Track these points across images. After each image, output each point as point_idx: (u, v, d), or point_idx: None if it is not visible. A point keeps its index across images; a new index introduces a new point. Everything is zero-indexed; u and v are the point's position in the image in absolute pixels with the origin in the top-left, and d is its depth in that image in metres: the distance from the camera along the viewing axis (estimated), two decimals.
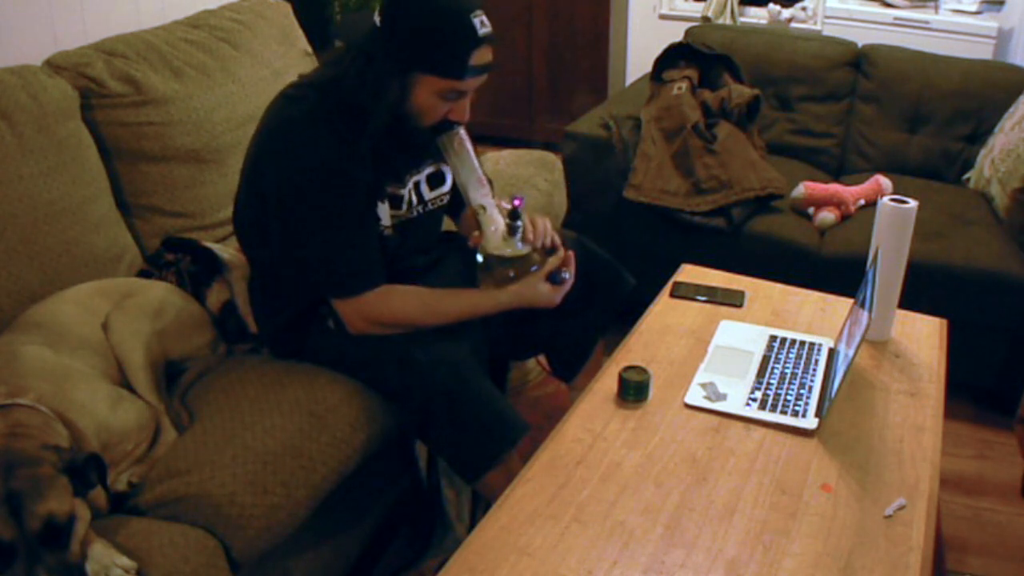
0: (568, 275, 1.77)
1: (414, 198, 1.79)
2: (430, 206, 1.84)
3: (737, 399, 1.61)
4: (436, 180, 1.84)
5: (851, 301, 1.94)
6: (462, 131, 1.69)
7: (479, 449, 1.65)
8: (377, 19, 1.58)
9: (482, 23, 1.56)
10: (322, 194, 1.61)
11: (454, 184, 1.87)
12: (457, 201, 1.90)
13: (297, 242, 1.66)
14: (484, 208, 1.71)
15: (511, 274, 1.73)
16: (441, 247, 1.96)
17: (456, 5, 1.54)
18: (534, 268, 1.74)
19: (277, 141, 1.64)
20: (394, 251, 1.75)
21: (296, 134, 1.62)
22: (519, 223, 1.71)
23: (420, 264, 1.86)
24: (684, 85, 2.88)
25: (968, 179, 2.97)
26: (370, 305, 1.68)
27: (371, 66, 1.58)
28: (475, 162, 1.71)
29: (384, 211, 1.71)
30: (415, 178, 1.79)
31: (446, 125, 1.67)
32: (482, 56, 1.59)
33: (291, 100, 1.66)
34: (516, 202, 1.69)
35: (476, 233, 1.76)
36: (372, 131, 1.61)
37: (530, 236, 1.74)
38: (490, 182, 1.79)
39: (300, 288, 1.76)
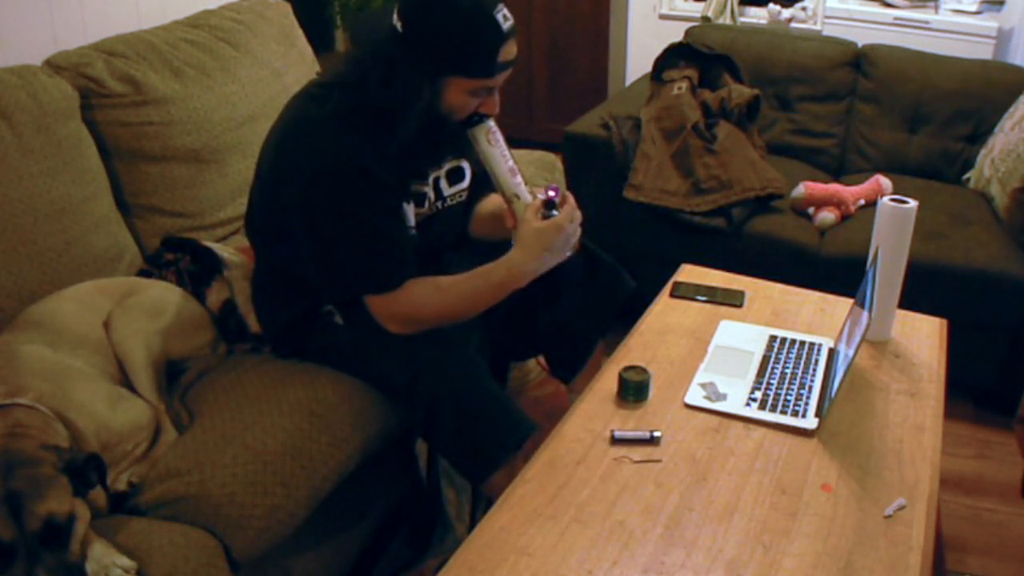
0: (552, 193, 1.69)
1: (432, 195, 1.78)
2: (449, 202, 1.83)
3: (737, 399, 1.61)
4: (456, 176, 1.84)
5: (851, 301, 1.94)
6: (491, 122, 1.69)
7: (485, 450, 1.64)
8: (397, 23, 1.56)
9: (505, 17, 1.56)
10: (349, 192, 1.59)
11: (472, 180, 1.86)
12: (473, 198, 1.90)
13: (323, 240, 1.63)
14: (518, 196, 1.71)
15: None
16: (448, 253, 1.96)
17: (478, 4, 1.53)
18: (568, 253, 1.74)
19: (301, 140, 1.62)
20: (415, 250, 1.74)
21: (321, 133, 1.60)
22: (554, 212, 1.70)
23: (431, 271, 1.86)
24: (684, 85, 2.88)
25: (968, 179, 2.97)
26: (395, 303, 1.65)
27: (396, 72, 1.57)
28: (507, 152, 1.70)
29: (410, 212, 1.71)
30: (435, 174, 1.79)
31: (475, 118, 1.67)
32: (509, 51, 1.58)
33: (314, 100, 1.65)
34: (551, 192, 1.69)
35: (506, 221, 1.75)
36: (403, 135, 1.60)
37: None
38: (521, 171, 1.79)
39: (308, 287, 1.76)
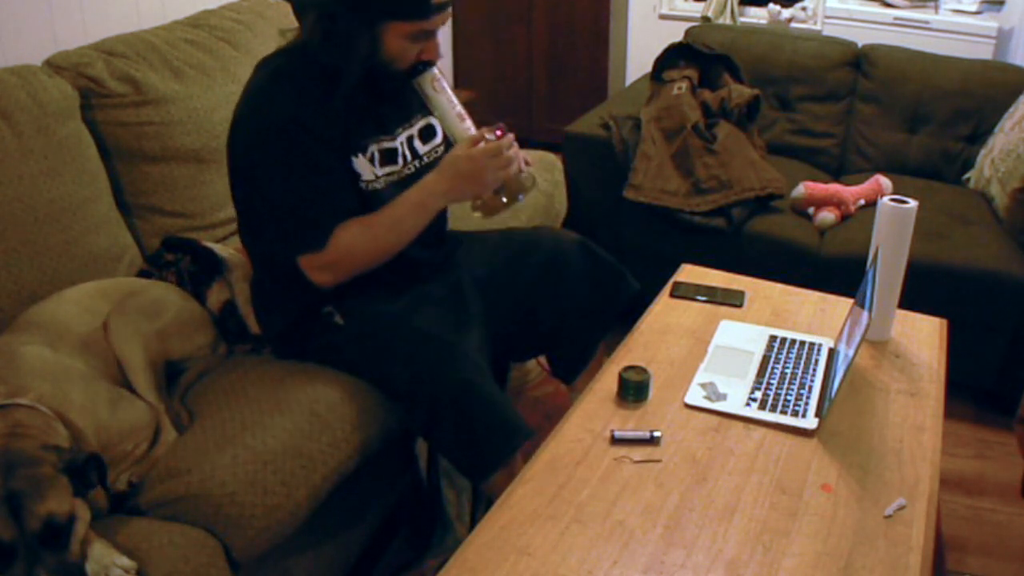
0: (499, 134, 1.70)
1: (408, 153, 1.80)
2: (425, 160, 1.84)
3: (737, 399, 1.61)
4: (428, 134, 1.86)
5: (851, 301, 1.94)
6: (435, 70, 1.71)
7: (486, 451, 1.64)
8: None
9: None
10: (278, 146, 1.62)
11: (444, 137, 1.87)
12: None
13: (262, 198, 1.67)
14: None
15: (503, 199, 1.75)
16: (450, 244, 1.96)
17: None
18: (520, 197, 1.75)
19: (242, 106, 1.68)
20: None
21: (258, 94, 1.66)
22: None
23: (425, 258, 1.86)
24: (684, 85, 2.88)
25: (968, 179, 2.97)
26: (326, 253, 1.67)
27: (336, 25, 1.61)
28: (453, 98, 1.73)
29: (362, 165, 1.71)
30: (407, 132, 1.81)
31: (419, 67, 1.69)
32: None
33: (259, 67, 1.70)
34: (498, 132, 1.71)
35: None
36: (346, 87, 1.63)
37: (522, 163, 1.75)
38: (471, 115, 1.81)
39: (307, 286, 1.76)
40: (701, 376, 1.68)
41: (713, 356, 1.74)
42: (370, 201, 1.72)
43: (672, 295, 1.98)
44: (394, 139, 1.77)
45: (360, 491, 1.85)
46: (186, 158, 2.17)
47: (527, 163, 1.76)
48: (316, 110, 1.62)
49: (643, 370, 1.62)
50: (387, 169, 1.75)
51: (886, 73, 3.08)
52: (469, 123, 1.73)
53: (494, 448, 1.64)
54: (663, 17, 4.12)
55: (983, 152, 2.91)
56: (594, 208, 2.87)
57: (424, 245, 1.85)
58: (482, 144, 1.67)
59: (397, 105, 1.78)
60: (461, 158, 1.67)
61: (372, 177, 1.72)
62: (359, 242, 1.68)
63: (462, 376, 1.62)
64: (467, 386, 1.62)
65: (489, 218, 1.78)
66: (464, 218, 2.41)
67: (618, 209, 2.78)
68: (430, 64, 1.69)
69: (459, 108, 1.72)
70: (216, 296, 1.96)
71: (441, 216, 1.92)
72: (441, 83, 1.71)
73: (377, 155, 1.73)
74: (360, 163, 1.71)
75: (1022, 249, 2.54)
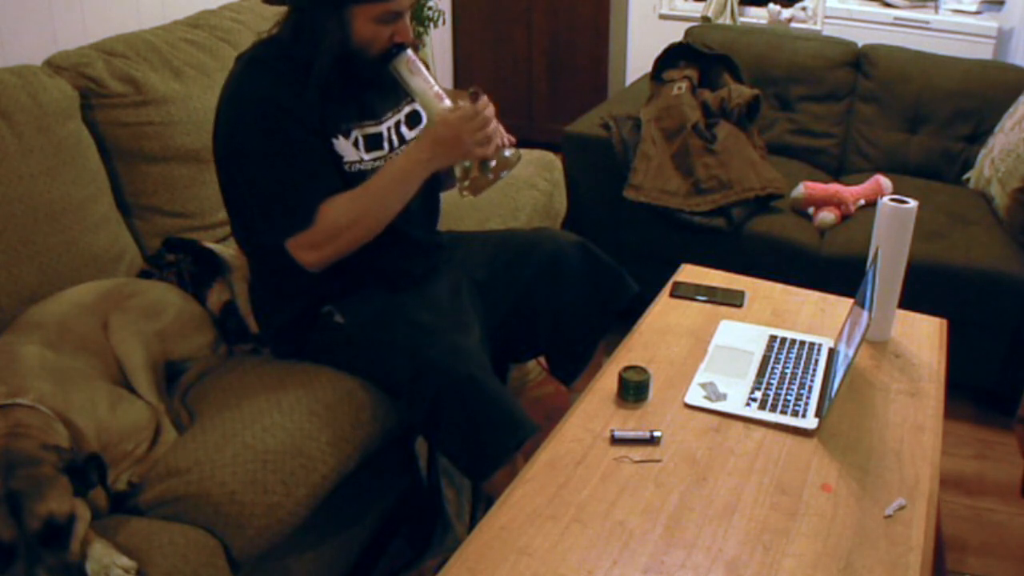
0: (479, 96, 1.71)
1: (395, 138, 1.81)
2: None
3: (737, 399, 1.61)
4: (415, 120, 1.87)
5: (851, 301, 1.94)
6: (410, 52, 1.71)
7: (486, 449, 1.64)
8: None
9: None
10: (256, 127, 1.63)
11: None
12: None
13: (245, 182, 1.68)
14: None
15: (490, 176, 1.75)
16: (447, 238, 1.96)
17: None
18: (504, 173, 1.75)
19: (221, 97, 1.70)
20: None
21: (234, 82, 1.68)
22: None
23: (421, 239, 1.87)
24: (684, 85, 2.88)
25: (968, 179, 2.97)
26: (314, 231, 1.66)
27: (305, 15, 1.63)
28: (430, 78, 1.73)
29: (344, 147, 1.72)
30: (395, 118, 1.82)
31: (393, 51, 1.69)
32: None
33: (236, 60, 1.73)
34: (472, 97, 1.71)
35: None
36: (318, 75, 1.64)
37: (505, 138, 1.75)
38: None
39: (305, 285, 1.76)
40: (701, 376, 1.68)
41: (713, 356, 1.74)
42: (355, 182, 1.72)
43: (672, 295, 1.98)
44: (380, 124, 1.78)
45: (360, 491, 1.85)
46: (186, 158, 2.17)
47: (511, 140, 1.76)
48: (292, 92, 1.64)
49: (643, 370, 1.62)
50: (373, 154, 1.76)
51: (886, 73, 3.08)
52: (448, 102, 1.73)
53: (498, 443, 1.64)
54: (663, 17, 4.12)
55: (983, 152, 2.91)
56: (594, 208, 2.88)
57: (417, 224, 1.85)
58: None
59: (385, 91, 1.80)
60: (438, 124, 1.68)
61: (356, 159, 1.73)
62: (344, 216, 1.67)
63: (466, 371, 1.62)
64: (471, 381, 1.62)
65: (477, 196, 1.78)
66: (463, 218, 2.41)
67: (618, 209, 2.78)
68: (404, 47, 1.69)
69: (437, 88, 1.73)
70: (216, 296, 1.96)
71: (432, 194, 1.92)
72: (416, 65, 1.71)
73: (361, 140, 1.74)
74: (342, 145, 1.71)
75: (1022, 249, 2.54)
